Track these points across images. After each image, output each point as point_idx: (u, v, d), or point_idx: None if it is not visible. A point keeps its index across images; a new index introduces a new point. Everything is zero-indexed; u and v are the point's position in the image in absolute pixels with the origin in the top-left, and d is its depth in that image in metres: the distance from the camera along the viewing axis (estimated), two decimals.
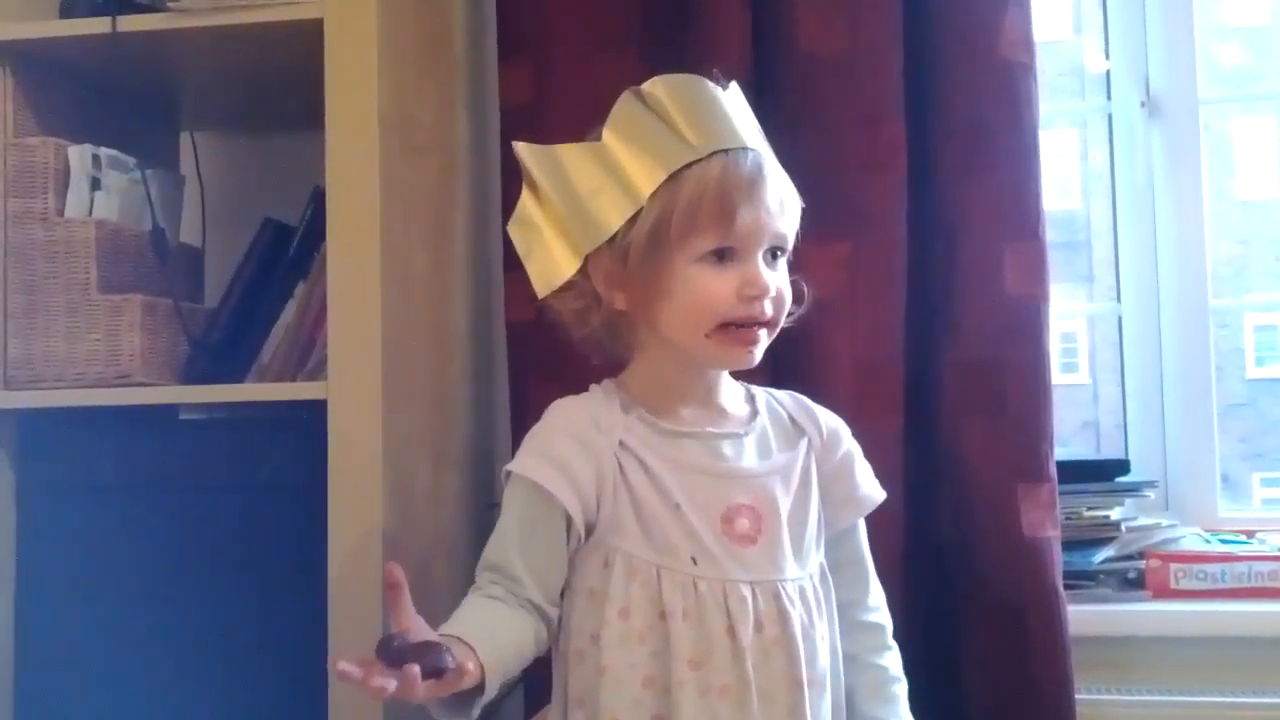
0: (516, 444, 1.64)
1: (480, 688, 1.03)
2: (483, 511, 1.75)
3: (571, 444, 1.12)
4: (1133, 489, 1.68)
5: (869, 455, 1.50)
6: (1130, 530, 1.65)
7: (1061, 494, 1.55)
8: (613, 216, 1.10)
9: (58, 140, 1.47)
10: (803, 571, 1.13)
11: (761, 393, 1.22)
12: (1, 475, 1.47)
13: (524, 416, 1.64)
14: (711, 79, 1.14)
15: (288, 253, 1.53)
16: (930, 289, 1.58)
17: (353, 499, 1.37)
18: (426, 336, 1.55)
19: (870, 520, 1.51)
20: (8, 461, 1.48)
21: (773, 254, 1.11)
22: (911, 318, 1.57)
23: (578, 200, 1.12)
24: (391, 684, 0.93)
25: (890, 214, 1.56)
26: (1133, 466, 1.72)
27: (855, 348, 1.55)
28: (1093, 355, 2.92)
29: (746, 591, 1.09)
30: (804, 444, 1.18)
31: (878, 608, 1.25)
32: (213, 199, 1.63)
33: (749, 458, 1.14)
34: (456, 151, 1.70)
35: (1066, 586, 1.53)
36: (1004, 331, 1.55)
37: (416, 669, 0.94)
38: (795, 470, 1.16)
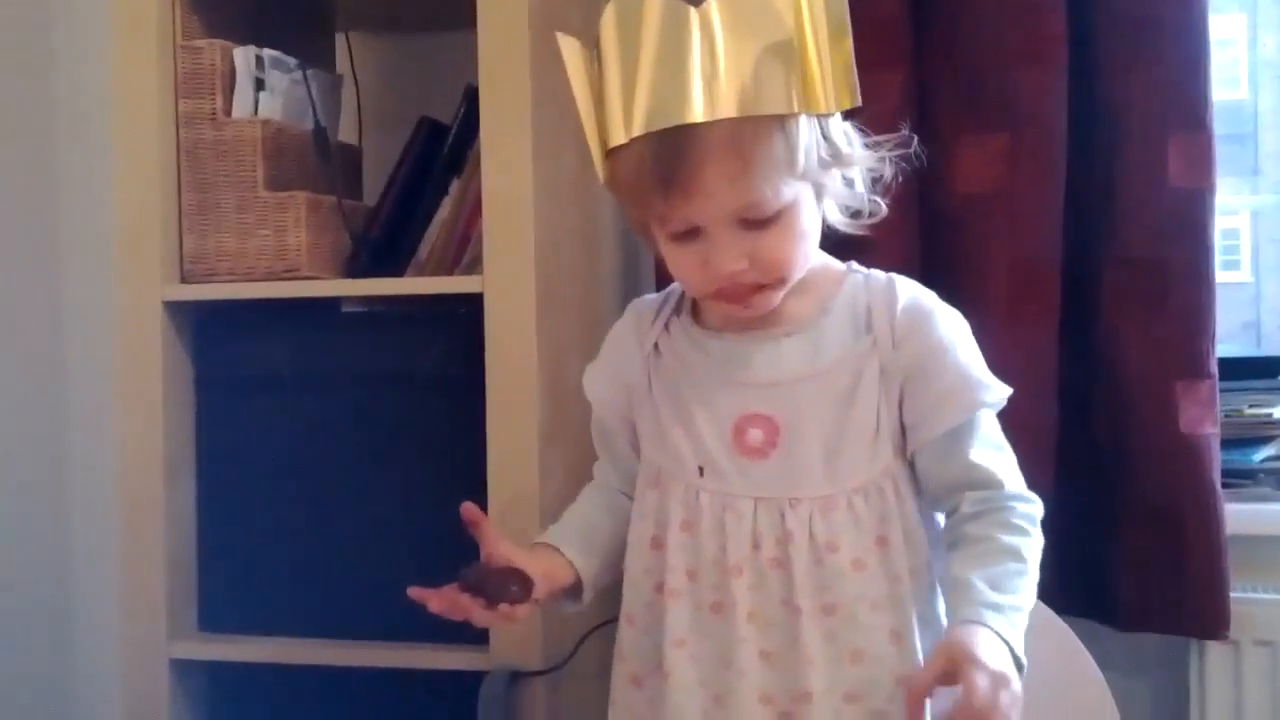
0: None
1: (580, 583, 1.12)
2: None
3: (614, 358, 1.14)
4: None
5: (1021, 353, 1.50)
6: None
7: (1222, 391, 1.52)
8: (594, 156, 1.01)
9: (223, 42, 1.52)
10: (834, 488, 1.01)
11: (852, 281, 1.05)
12: (181, 367, 1.55)
13: None
14: None
15: (442, 150, 1.55)
16: (1091, 182, 1.54)
17: (509, 390, 1.41)
18: (576, 234, 1.57)
19: (1023, 417, 1.50)
20: (187, 353, 1.55)
21: (749, 223, 0.96)
22: (1070, 212, 1.53)
23: (584, 117, 1.01)
24: (447, 606, 1.07)
25: (1050, 106, 1.51)
26: None
27: (1012, 243, 1.52)
28: (1256, 253, 2.81)
29: (747, 507, 1.02)
30: (866, 342, 1.02)
31: (980, 511, 1.02)
32: (368, 98, 1.67)
33: (781, 363, 1.03)
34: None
35: (1225, 485, 1.51)
36: (1166, 226, 1.51)
37: (479, 602, 1.06)
38: (843, 374, 1.01)
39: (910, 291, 1.04)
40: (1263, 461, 1.60)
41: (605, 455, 1.19)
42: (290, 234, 1.48)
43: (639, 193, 0.95)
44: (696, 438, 1.04)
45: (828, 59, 0.93)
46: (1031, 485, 1.52)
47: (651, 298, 1.14)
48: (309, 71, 1.58)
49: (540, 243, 1.42)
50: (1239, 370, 1.62)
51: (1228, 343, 1.73)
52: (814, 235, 1.00)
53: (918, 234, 1.56)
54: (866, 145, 1.01)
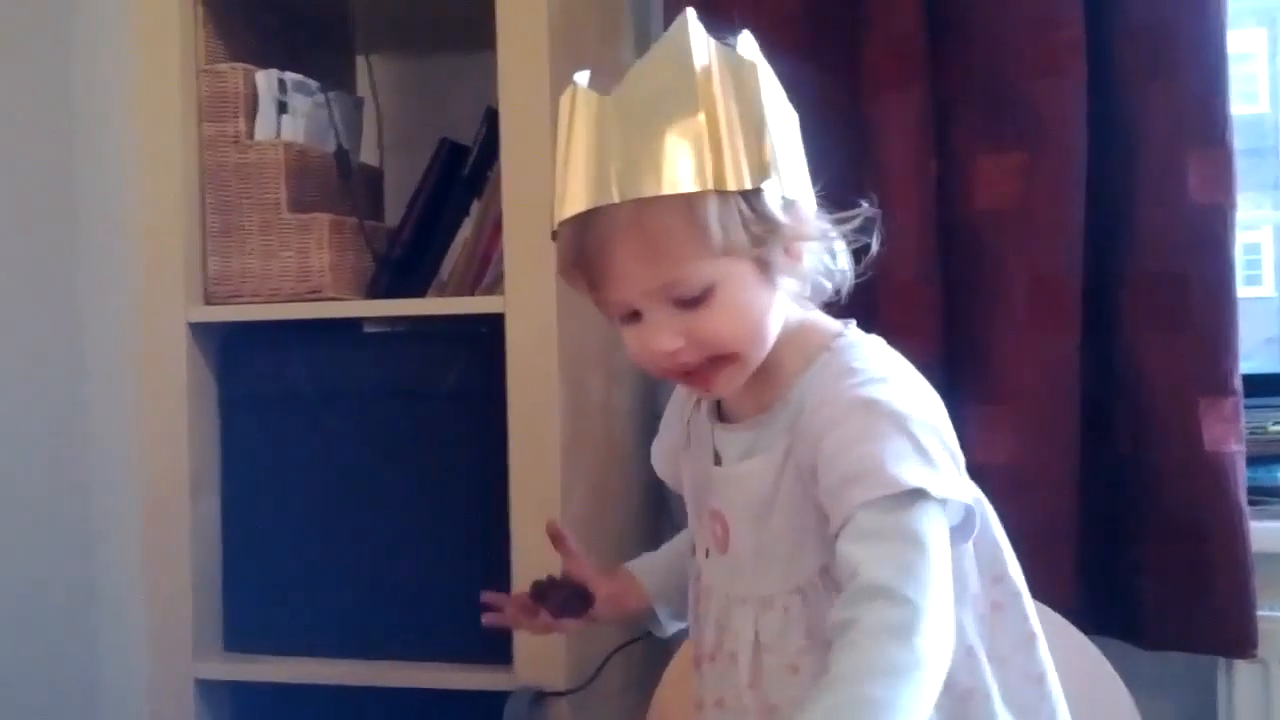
0: None
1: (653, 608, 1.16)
2: (650, 423, 1.78)
3: (665, 434, 1.14)
4: None
5: (1042, 369, 1.50)
6: None
7: (1246, 408, 1.50)
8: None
9: (246, 65, 1.53)
10: (771, 589, 0.97)
11: (821, 364, 0.97)
12: (206, 385, 1.56)
13: None
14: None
15: (463, 171, 1.56)
16: (1110, 198, 1.54)
17: (531, 408, 1.42)
18: None
19: (1046, 434, 1.50)
20: (211, 372, 1.57)
21: (679, 301, 0.91)
22: (1090, 228, 1.53)
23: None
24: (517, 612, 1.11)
25: (1068, 121, 1.51)
26: None
27: (1031, 260, 1.52)
28: (1279, 267, 2.79)
29: (716, 598, 1.03)
30: (786, 441, 0.95)
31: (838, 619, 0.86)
32: (389, 120, 1.68)
33: (732, 458, 1.01)
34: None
35: (1250, 502, 1.49)
36: (1187, 242, 1.50)
37: (545, 612, 1.11)
38: (767, 473, 0.97)
39: (853, 382, 0.93)
40: None
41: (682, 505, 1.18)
42: (313, 255, 1.50)
43: (572, 278, 0.95)
44: (697, 519, 1.07)
45: (739, 135, 0.91)
46: (1054, 503, 1.53)
47: None
48: (331, 94, 1.59)
49: None
50: (1263, 387, 1.61)
51: (1252, 358, 1.72)
52: (767, 310, 0.95)
53: (936, 251, 1.56)
54: (828, 219, 0.98)
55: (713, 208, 0.90)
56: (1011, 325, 1.53)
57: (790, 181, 0.93)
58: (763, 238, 0.92)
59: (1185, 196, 1.51)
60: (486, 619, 1.16)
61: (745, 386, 0.97)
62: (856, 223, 0.98)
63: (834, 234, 0.98)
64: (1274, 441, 1.59)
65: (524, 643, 1.42)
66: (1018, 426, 1.49)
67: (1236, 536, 1.46)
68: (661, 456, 1.15)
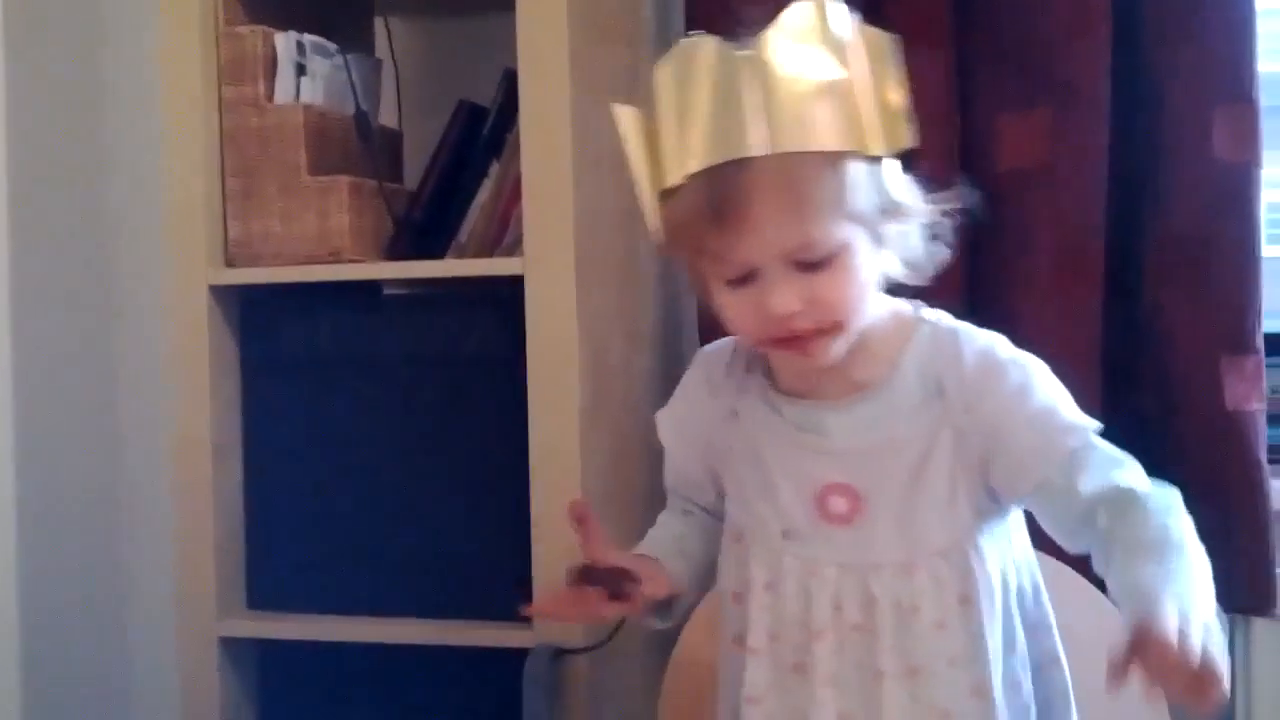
0: (703, 323, 1.68)
1: (671, 596, 1.09)
2: (673, 382, 1.79)
3: (690, 413, 1.11)
4: None
5: (1066, 328, 1.49)
6: None
7: (1268, 367, 1.50)
8: (647, 210, 0.99)
9: (265, 28, 1.53)
10: (913, 553, 1.00)
11: (919, 334, 1.02)
12: (227, 349, 1.57)
13: (709, 294, 1.66)
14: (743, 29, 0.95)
15: (482, 133, 1.56)
16: (1134, 157, 1.53)
17: (551, 371, 1.43)
18: (615, 215, 1.57)
19: (1069, 393, 1.50)
20: (232, 336, 1.58)
21: (804, 265, 0.93)
22: (1114, 187, 1.52)
23: (636, 176, 0.99)
24: (568, 606, 1.05)
25: (1093, 79, 1.50)
26: None
27: (1056, 219, 1.51)
28: None
29: (830, 573, 1.01)
30: (938, 408, 0.99)
31: (1115, 519, 0.98)
32: (407, 82, 1.68)
33: (855, 430, 1.01)
34: (641, 35, 1.70)
35: (1271, 461, 1.49)
36: (1212, 200, 1.49)
37: (598, 592, 1.02)
38: (915, 441, 0.99)
39: (976, 346, 1.00)
40: None
41: (683, 490, 1.16)
42: (333, 218, 1.50)
43: (692, 231, 0.94)
44: (779, 503, 1.04)
45: (878, 102, 0.93)
46: None
47: (718, 351, 1.11)
48: (349, 56, 1.59)
49: (580, 224, 1.43)
50: None
51: (1275, 318, 1.71)
52: (871, 283, 0.97)
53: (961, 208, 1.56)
54: (926, 199, 0.99)
55: (855, 169, 0.92)
56: (1035, 284, 1.52)
57: (908, 142, 0.95)
58: (884, 209, 0.95)
59: (1210, 154, 1.50)
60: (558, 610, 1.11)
61: (842, 360, 0.98)
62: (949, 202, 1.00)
63: (938, 216, 0.99)
64: None
65: (546, 598, 1.43)
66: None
67: (1257, 495, 1.46)
68: (685, 437, 1.12)
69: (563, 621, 1.06)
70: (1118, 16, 1.51)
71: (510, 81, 1.50)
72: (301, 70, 1.54)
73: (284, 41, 1.53)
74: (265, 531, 1.59)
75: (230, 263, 1.54)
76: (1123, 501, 0.98)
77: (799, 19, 0.93)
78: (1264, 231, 1.53)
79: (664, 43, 1.74)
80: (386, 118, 1.69)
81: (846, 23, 0.94)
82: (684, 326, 1.80)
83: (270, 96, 1.53)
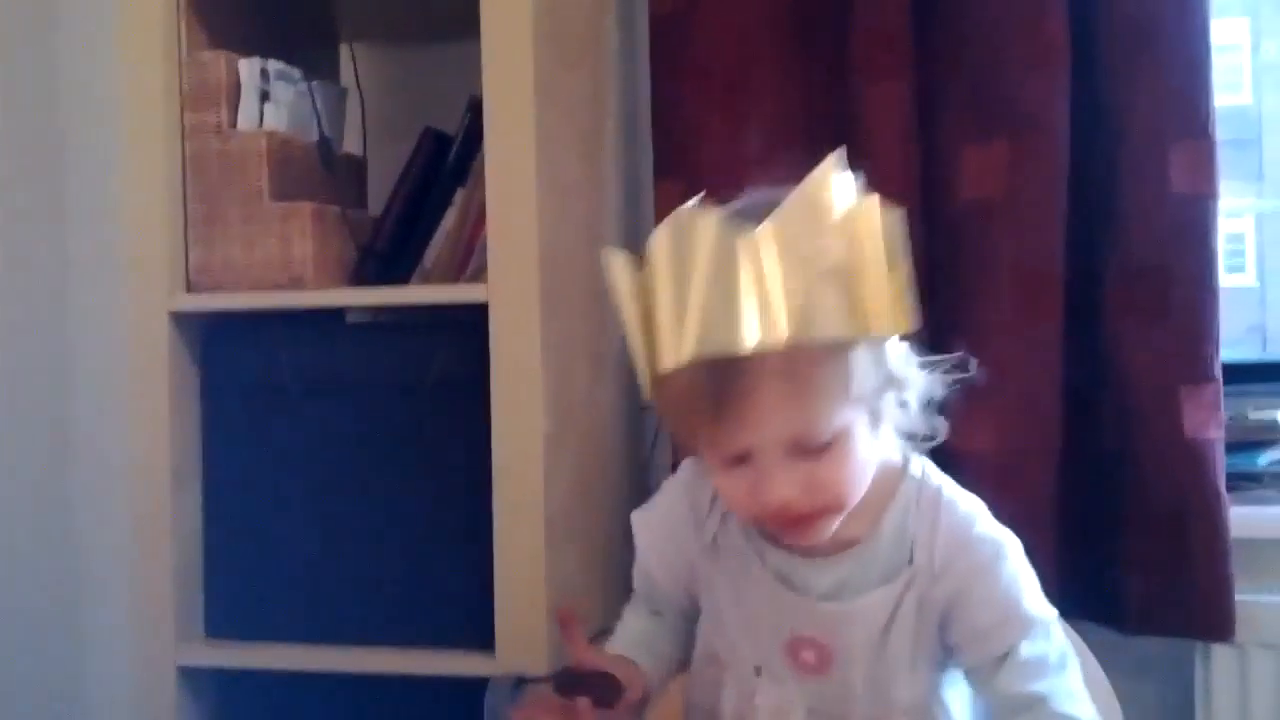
0: None
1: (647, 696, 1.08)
2: (636, 415, 1.79)
3: (672, 532, 1.10)
4: None
5: (1025, 357, 1.51)
6: None
7: (1226, 395, 1.51)
8: (640, 373, 0.95)
9: (228, 53, 1.53)
10: (882, 710, 1.00)
11: (904, 493, 1.02)
12: (187, 375, 1.56)
13: None
14: (751, 210, 0.91)
15: (446, 161, 1.56)
16: (1093, 189, 1.54)
17: (514, 397, 1.42)
18: (581, 243, 1.58)
19: (1028, 421, 1.51)
20: (194, 362, 1.56)
21: (803, 449, 0.91)
22: (1073, 219, 1.53)
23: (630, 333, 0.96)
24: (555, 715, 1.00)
25: (1052, 113, 1.52)
26: None
27: (1015, 250, 1.52)
28: (1261, 257, 2.81)
29: (800, 716, 1.02)
30: (907, 574, 0.99)
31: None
32: (372, 109, 1.67)
33: (833, 590, 1.01)
34: (606, 61, 1.71)
35: (1229, 488, 1.50)
36: (1170, 232, 1.51)
37: (586, 701, 0.99)
38: (883, 605, 0.99)
39: (953, 518, 1.00)
40: (1268, 465, 1.60)
41: (653, 597, 1.15)
42: (296, 244, 1.49)
43: (688, 417, 0.93)
44: (756, 640, 1.04)
45: (883, 284, 0.89)
46: (1036, 490, 1.54)
47: (697, 478, 1.09)
48: (314, 83, 1.59)
49: (544, 251, 1.43)
50: (1244, 374, 1.62)
51: (1233, 347, 1.73)
52: (871, 462, 0.96)
53: (922, 239, 1.57)
54: (922, 365, 0.99)
55: (861, 355, 0.90)
56: (995, 314, 1.53)
57: (912, 324, 0.93)
58: (883, 388, 0.94)
59: (1168, 188, 1.51)
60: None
61: None
62: (947, 368, 1.00)
63: (929, 382, 0.98)
64: (1254, 428, 1.60)
65: (506, 628, 1.42)
66: (1000, 414, 1.50)
67: (1216, 522, 1.47)
68: (662, 551, 1.11)
69: None
70: (1077, 50, 1.53)
71: (475, 109, 1.50)
72: (265, 97, 1.53)
73: (248, 68, 1.53)
74: (224, 559, 1.57)
75: (191, 288, 1.53)
76: (1023, 705, 0.97)
77: (805, 196, 0.90)
78: (1221, 262, 1.55)
79: (630, 62, 1.76)
80: (351, 144, 1.69)
81: (854, 198, 0.90)
82: None
83: (234, 123, 1.52)
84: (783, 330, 0.87)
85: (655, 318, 0.90)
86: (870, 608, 0.99)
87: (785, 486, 0.91)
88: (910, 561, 0.99)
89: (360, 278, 1.55)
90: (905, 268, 0.91)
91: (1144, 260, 1.52)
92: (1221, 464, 1.50)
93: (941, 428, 1.00)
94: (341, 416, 1.52)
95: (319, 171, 1.57)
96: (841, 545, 1.00)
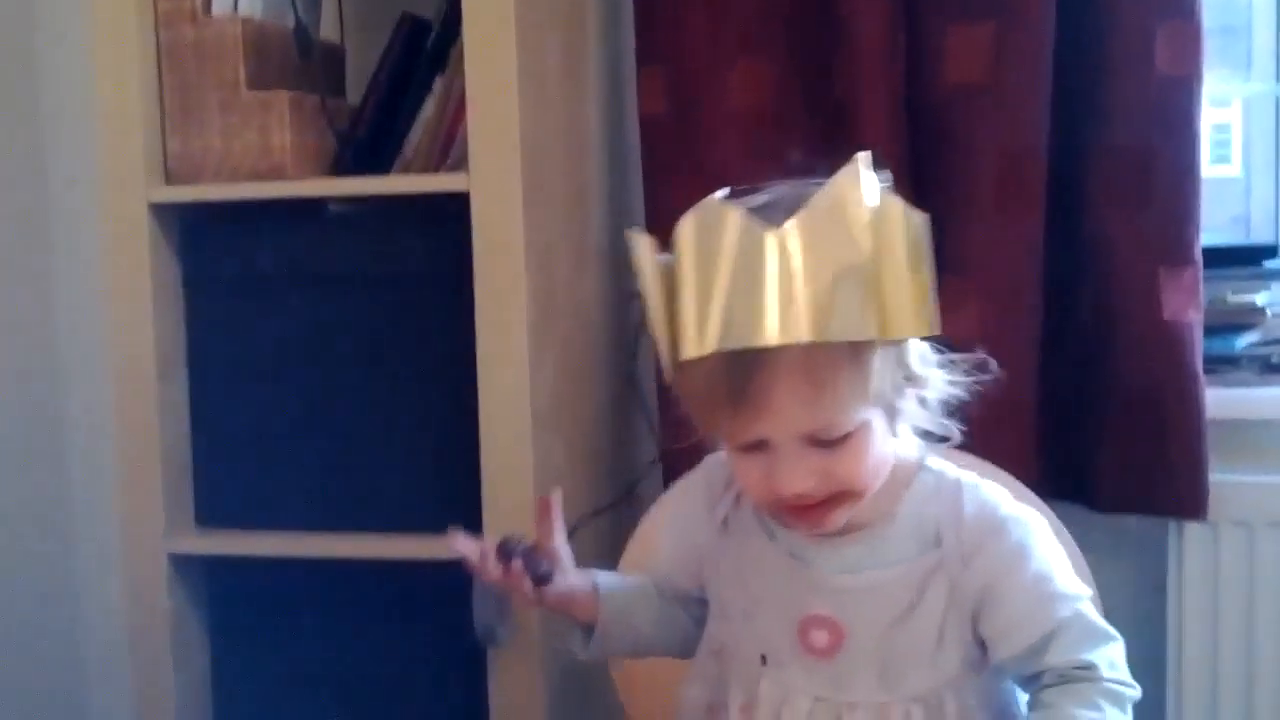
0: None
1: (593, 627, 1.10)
2: (622, 305, 1.79)
3: (685, 516, 1.12)
4: None
5: (1007, 241, 1.51)
6: (1276, 315, 1.62)
7: (1206, 279, 1.52)
8: (662, 356, 0.97)
9: None
10: (891, 695, 0.99)
11: (920, 483, 1.02)
12: (170, 268, 1.55)
13: (658, 214, 1.67)
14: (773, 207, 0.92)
15: (425, 47, 1.54)
16: (1078, 71, 1.53)
17: (497, 288, 1.42)
18: (561, 131, 1.57)
19: (1009, 304, 1.52)
20: (174, 254, 1.56)
21: (820, 441, 0.93)
22: (1058, 101, 1.53)
23: (654, 317, 0.97)
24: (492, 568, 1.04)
25: None
26: None
27: (999, 133, 1.52)
28: (1247, 147, 2.78)
29: (804, 704, 1.01)
30: (934, 557, 0.99)
31: (1060, 682, 0.97)
32: None
33: (848, 567, 1.01)
34: None
35: (1206, 371, 1.52)
36: (1154, 114, 1.50)
37: (519, 564, 1.03)
38: (906, 586, 0.99)
39: (977, 501, 1.01)
40: (1245, 348, 1.62)
41: (656, 577, 1.16)
42: (274, 134, 1.48)
43: (708, 406, 0.94)
44: (761, 626, 1.04)
45: (906, 285, 0.90)
46: (1016, 374, 1.55)
47: (715, 466, 1.10)
48: None
49: (526, 139, 1.42)
50: (1224, 258, 1.62)
51: (1218, 235, 1.74)
52: (887, 456, 0.97)
53: (906, 123, 1.56)
54: (941, 365, 0.99)
55: (879, 357, 0.91)
56: (979, 197, 1.53)
57: (935, 327, 0.93)
58: (901, 387, 0.95)
59: (1153, 70, 1.51)
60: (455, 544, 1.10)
61: None
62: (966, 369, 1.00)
63: (948, 383, 0.99)
64: (1233, 311, 1.61)
65: (494, 513, 1.44)
66: (982, 299, 1.51)
67: (1192, 403, 1.49)
68: (677, 531, 1.12)
69: (477, 571, 1.08)
70: None
71: None
72: None
73: None
74: (212, 449, 1.58)
75: (170, 180, 1.52)
76: (1075, 676, 0.96)
77: (832, 195, 0.90)
78: (1206, 149, 1.55)
79: None
80: (328, 31, 1.66)
81: (880, 199, 0.90)
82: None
83: (208, 9, 1.50)
84: (804, 328, 0.88)
85: (679, 305, 0.91)
86: (890, 585, 0.99)
87: (801, 477, 0.93)
88: (938, 545, 0.99)
89: (340, 168, 1.54)
90: (929, 270, 0.92)
91: (1127, 143, 1.52)
92: (1199, 347, 1.51)
93: (955, 430, 1.01)
94: (325, 307, 1.52)
95: (295, 59, 1.55)
96: (854, 528, 1.00)
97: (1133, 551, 1.64)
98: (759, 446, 0.93)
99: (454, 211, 1.43)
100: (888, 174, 0.93)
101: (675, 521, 1.13)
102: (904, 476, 1.02)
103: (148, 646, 1.56)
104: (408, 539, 1.49)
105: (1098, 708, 0.93)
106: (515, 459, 1.44)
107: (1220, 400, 1.53)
